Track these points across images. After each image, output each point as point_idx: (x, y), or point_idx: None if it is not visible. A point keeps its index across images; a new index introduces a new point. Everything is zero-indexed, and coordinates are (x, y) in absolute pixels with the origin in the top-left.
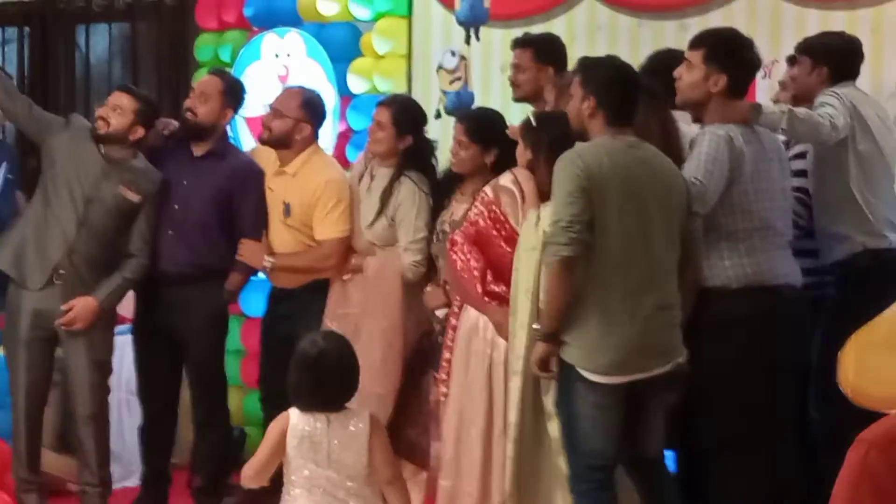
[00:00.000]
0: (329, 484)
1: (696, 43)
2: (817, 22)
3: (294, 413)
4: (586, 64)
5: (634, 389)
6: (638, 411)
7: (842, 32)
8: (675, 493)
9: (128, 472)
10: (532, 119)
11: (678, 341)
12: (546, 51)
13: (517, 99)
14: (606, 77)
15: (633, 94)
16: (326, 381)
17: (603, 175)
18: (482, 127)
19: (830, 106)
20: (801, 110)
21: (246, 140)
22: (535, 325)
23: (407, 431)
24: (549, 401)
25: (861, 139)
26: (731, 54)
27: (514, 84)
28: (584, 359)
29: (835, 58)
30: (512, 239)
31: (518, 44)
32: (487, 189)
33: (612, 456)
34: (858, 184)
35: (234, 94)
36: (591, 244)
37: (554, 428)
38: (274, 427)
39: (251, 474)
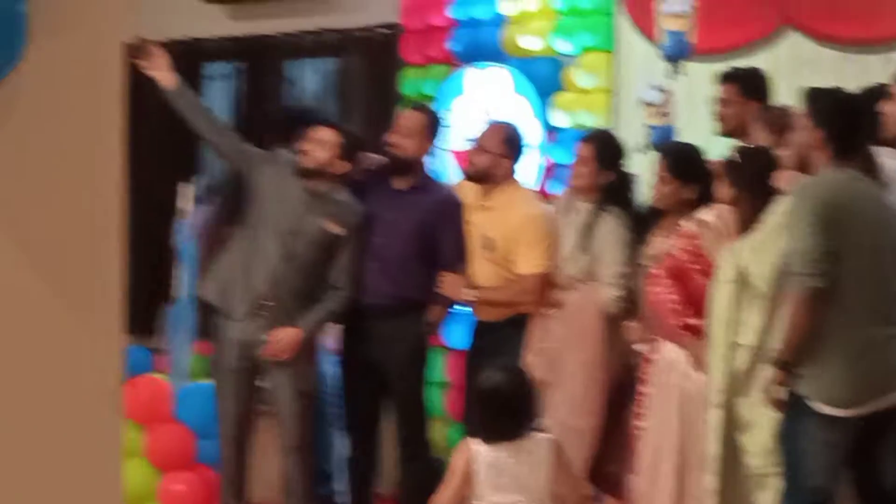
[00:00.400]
0: None
1: None
2: None
3: (475, 442)
4: (815, 95)
5: (871, 420)
6: (874, 442)
7: None
8: None
9: None
10: (735, 154)
11: None
12: (752, 86)
13: (722, 133)
14: (835, 108)
15: (861, 126)
16: (503, 413)
17: (839, 208)
18: (683, 162)
19: None
20: None
21: (450, 173)
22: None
23: (609, 466)
24: (744, 437)
25: None
26: None
27: (720, 118)
28: (823, 391)
29: None
30: (710, 273)
31: (724, 78)
32: (689, 223)
33: (833, 492)
34: None
35: (434, 128)
36: (837, 276)
37: (751, 461)
38: (457, 458)
39: None
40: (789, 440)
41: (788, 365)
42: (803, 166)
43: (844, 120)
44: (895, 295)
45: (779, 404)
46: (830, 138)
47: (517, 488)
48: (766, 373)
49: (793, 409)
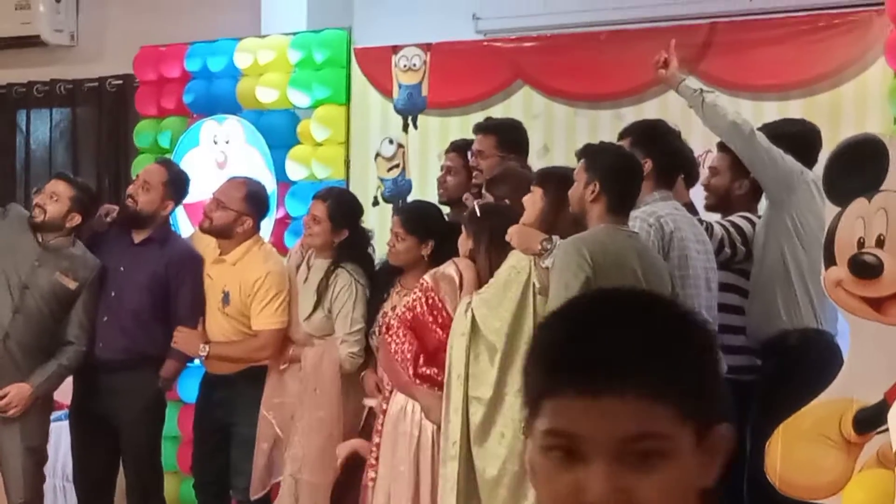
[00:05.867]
0: None
1: (623, 133)
2: (750, 112)
3: None
4: (592, 150)
5: None
6: None
7: (802, 119)
8: None
9: None
10: (476, 209)
11: None
12: (511, 138)
13: (479, 185)
14: (613, 164)
15: (637, 184)
16: None
17: (607, 265)
18: (419, 219)
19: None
20: (721, 102)
21: (184, 226)
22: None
23: None
24: (483, 490)
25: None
26: (654, 141)
27: (475, 170)
28: None
29: (795, 144)
30: (448, 326)
31: (480, 129)
32: (427, 276)
33: None
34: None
35: (177, 185)
36: None
37: None
38: None
39: None
40: None
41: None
42: (581, 221)
43: (621, 175)
44: None
45: None
46: (605, 191)
47: None
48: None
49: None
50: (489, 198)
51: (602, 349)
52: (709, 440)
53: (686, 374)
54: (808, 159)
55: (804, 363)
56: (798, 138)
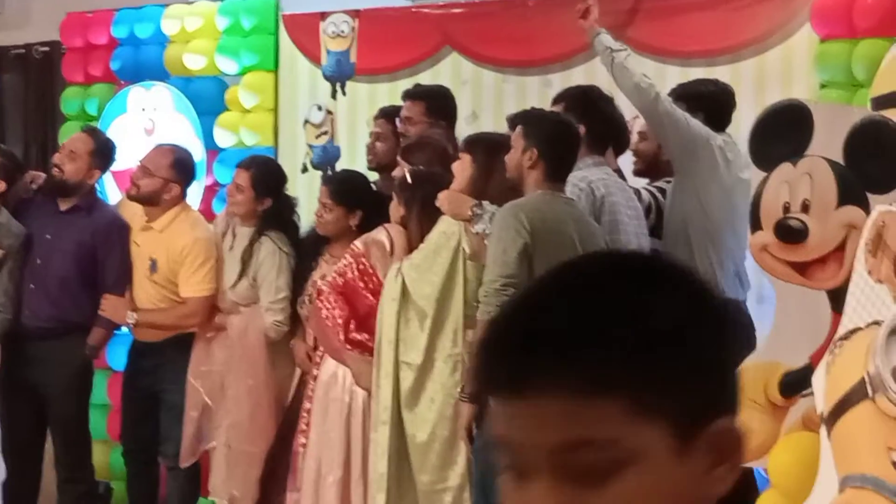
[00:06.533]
0: None
1: (557, 98)
2: (677, 77)
3: None
4: (530, 117)
5: None
6: None
7: (716, 80)
8: None
9: None
10: (407, 175)
11: None
12: (439, 106)
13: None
14: (551, 131)
15: (574, 151)
16: None
17: (545, 231)
18: (346, 189)
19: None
20: (630, 63)
21: (112, 193)
22: (458, 389)
23: (278, 491)
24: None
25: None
26: (588, 107)
27: (404, 136)
28: None
29: (708, 104)
30: (379, 292)
31: (409, 95)
32: (358, 242)
33: None
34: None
35: (103, 154)
36: None
37: (422, 478)
38: None
39: None
40: (486, 455)
41: (477, 397)
42: (511, 187)
43: (559, 143)
44: None
45: (471, 439)
46: (543, 158)
47: None
48: (462, 409)
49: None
50: (405, 165)
51: (525, 334)
52: (702, 439)
53: (644, 357)
54: (721, 120)
55: None
56: (709, 98)
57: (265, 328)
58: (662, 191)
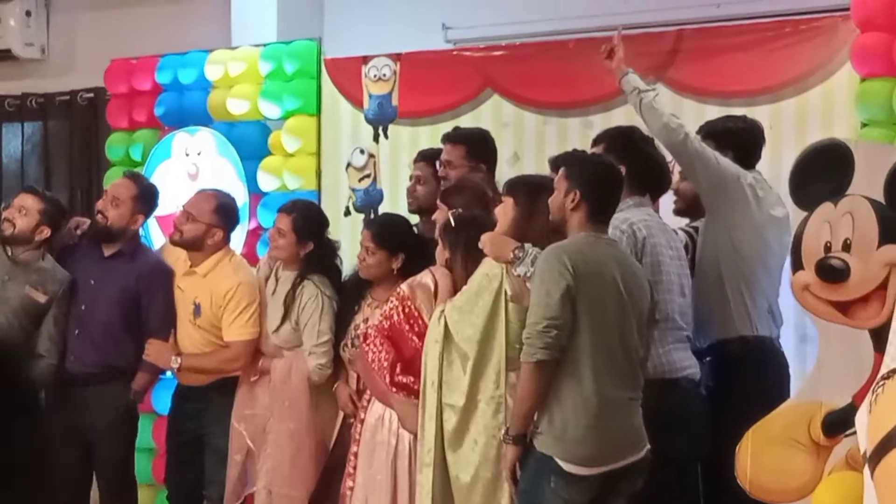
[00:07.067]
0: None
1: (597, 139)
2: (718, 115)
3: None
4: (573, 158)
5: (607, 479)
6: (604, 500)
7: (744, 116)
8: None
9: None
10: (451, 218)
11: (643, 430)
12: (479, 148)
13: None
14: (593, 172)
15: (617, 193)
16: None
17: (588, 273)
18: (389, 233)
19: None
20: (658, 103)
21: (156, 237)
22: (502, 431)
23: None
24: (457, 495)
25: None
26: (628, 148)
27: (444, 179)
28: (565, 450)
29: (737, 141)
30: (424, 334)
31: (449, 139)
32: (404, 286)
33: None
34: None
35: (146, 199)
36: (566, 347)
37: None
38: None
39: None
40: (530, 498)
41: (521, 439)
42: (554, 229)
43: (602, 184)
44: (639, 360)
45: (515, 481)
46: (587, 201)
47: None
48: (506, 451)
49: (534, 467)
50: (445, 209)
51: None
52: None
53: None
54: (750, 157)
55: (744, 369)
56: (739, 135)
57: (308, 372)
58: (697, 230)
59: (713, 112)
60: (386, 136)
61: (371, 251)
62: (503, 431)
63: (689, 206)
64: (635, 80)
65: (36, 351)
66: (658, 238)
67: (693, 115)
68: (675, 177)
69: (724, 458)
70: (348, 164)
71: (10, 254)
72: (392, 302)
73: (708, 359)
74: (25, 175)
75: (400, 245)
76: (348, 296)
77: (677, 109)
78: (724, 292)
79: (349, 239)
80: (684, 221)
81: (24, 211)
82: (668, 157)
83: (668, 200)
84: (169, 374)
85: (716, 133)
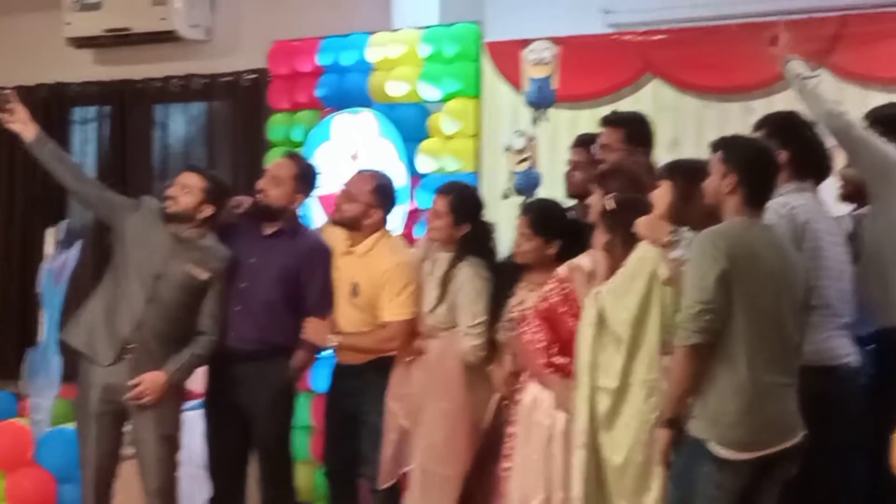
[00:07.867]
0: None
1: (758, 124)
2: (882, 101)
3: None
4: (729, 142)
5: (760, 465)
6: (758, 486)
7: None
8: None
9: None
10: (610, 202)
11: (798, 416)
12: (638, 132)
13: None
14: (750, 156)
15: (773, 177)
16: None
17: (744, 256)
18: (545, 220)
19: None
20: (821, 90)
21: (317, 217)
22: (654, 414)
23: None
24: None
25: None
26: (790, 133)
27: (601, 163)
28: (720, 434)
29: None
30: (579, 316)
31: (607, 122)
32: (563, 268)
33: None
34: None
35: (306, 179)
36: (720, 332)
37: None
38: None
39: None
40: (683, 482)
41: (674, 423)
42: (712, 213)
43: (758, 168)
44: (794, 346)
45: (668, 465)
46: (742, 184)
47: None
48: (658, 435)
49: (687, 452)
50: (600, 191)
51: None
52: None
53: None
54: None
55: None
56: None
57: (463, 352)
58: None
59: (877, 98)
60: (546, 119)
61: (527, 237)
62: (656, 415)
63: (855, 192)
64: (799, 67)
65: (198, 327)
66: (819, 223)
67: (857, 101)
68: (840, 162)
69: (886, 447)
70: (507, 147)
71: (172, 231)
72: (551, 283)
73: (870, 347)
74: (189, 155)
75: (556, 232)
76: (504, 278)
77: (840, 95)
78: (885, 280)
79: (507, 221)
80: (850, 208)
81: (187, 189)
82: (830, 142)
83: (832, 186)
84: (327, 352)
85: (882, 119)
